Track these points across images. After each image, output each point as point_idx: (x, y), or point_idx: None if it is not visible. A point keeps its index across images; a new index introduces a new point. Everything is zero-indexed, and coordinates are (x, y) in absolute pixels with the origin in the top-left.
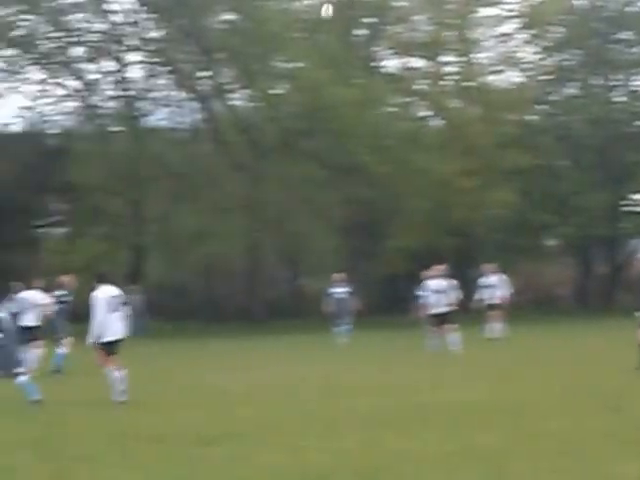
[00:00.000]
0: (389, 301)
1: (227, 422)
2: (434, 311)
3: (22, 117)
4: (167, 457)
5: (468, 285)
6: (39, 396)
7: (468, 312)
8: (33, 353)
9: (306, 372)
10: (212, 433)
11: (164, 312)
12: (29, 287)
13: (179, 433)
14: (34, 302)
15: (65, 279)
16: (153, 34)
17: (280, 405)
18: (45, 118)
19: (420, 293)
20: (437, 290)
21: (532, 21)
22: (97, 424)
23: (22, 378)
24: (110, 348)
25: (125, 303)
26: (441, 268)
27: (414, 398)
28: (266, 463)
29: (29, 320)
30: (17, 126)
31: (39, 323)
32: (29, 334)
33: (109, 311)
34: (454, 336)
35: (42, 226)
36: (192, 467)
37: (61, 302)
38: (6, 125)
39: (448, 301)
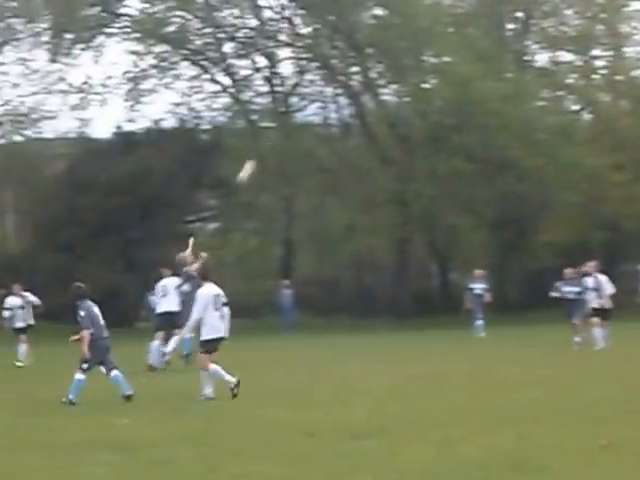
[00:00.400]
0: (538, 296)
1: (377, 416)
2: (591, 306)
3: (174, 113)
4: (319, 451)
5: (619, 280)
6: (77, 399)
7: (621, 307)
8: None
9: (453, 367)
10: (363, 428)
11: (313, 307)
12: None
13: (330, 428)
14: (173, 288)
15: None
16: (303, 30)
17: (429, 400)
18: (197, 114)
19: (567, 290)
20: (593, 286)
21: None
22: (252, 419)
23: (79, 375)
24: (211, 346)
25: (226, 304)
26: (593, 265)
27: (564, 392)
28: (416, 457)
29: (170, 305)
30: (169, 122)
31: (179, 309)
32: (169, 319)
33: (212, 309)
34: (602, 332)
35: (194, 221)
36: (343, 461)
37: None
38: (159, 121)
39: (603, 296)
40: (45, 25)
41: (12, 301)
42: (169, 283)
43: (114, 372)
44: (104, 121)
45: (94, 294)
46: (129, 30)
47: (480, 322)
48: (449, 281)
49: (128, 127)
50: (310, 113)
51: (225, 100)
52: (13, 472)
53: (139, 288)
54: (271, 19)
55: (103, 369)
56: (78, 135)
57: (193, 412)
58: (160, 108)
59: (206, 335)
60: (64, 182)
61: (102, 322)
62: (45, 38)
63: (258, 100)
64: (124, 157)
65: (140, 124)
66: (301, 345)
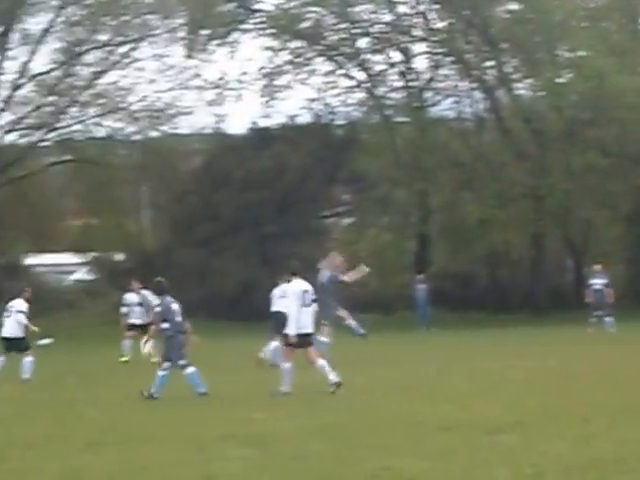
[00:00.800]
0: None
1: (512, 411)
2: None
3: (309, 109)
4: (454, 446)
5: None
6: (205, 389)
7: None
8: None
9: (586, 362)
10: (498, 422)
11: (448, 302)
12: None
13: (465, 422)
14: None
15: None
16: (438, 25)
17: (563, 394)
18: (332, 109)
19: None
20: None
21: None
22: (387, 413)
23: (190, 370)
24: (299, 341)
25: (315, 300)
26: None
27: None
28: (552, 451)
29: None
30: (304, 118)
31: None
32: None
33: (300, 305)
34: None
35: (329, 216)
36: (479, 456)
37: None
38: (294, 117)
39: None
40: (181, 21)
41: (129, 297)
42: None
43: (167, 372)
44: (239, 117)
45: (229, 289)
46: (264, 26)
47: (607, 319)
48: (584, 276)
49: (263, 123)
50: (444, 108)
51: (360, 95)
52: (147, 466)
53: (274, 283)
54: (405, 14)
55: (167, 364)
56: (214, 131)
57: (327, 406)
58: (295, 104)
59: (295, 330)
60: (200, 178)
61: (179, 318)
62: (181, 34)
63: (393, 95)
64: (259, 153)
65: (275, 120)
66: (435, 340)
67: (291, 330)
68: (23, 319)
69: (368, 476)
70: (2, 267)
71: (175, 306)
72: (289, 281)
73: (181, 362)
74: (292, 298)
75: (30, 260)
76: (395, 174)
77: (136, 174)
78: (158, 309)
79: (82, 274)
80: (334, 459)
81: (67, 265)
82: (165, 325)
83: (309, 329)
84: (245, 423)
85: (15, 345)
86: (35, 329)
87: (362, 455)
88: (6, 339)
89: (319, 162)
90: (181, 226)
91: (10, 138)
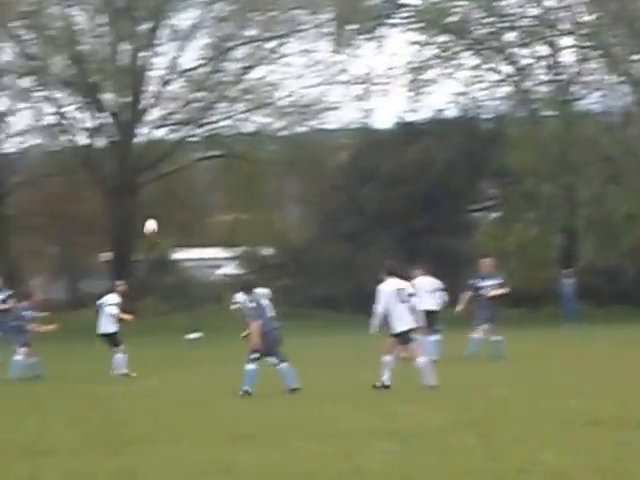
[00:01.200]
0: None
1: None
2: None
3: (456, 103)
4: (604, 440)
5: None
6: (298, 384)
7: None
8: (428, 339)
9: None
10: None
11: (595, 296)
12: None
13: (615, 417)
14: (429, 287)
15: (485, 263)
16: (585, 18)
17: None
18: (479, 103)
19: None
20: None
21: None
22: (534, 407)
23: (249, 366)
24: (403, 338)
25: (412, 295)
26: None
27: None
28: None
29: (426, 305)
30: (451, 112)
31: (436, 308)
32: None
33: (397, 302)
34: None
35: (477, 210)
36: (627, 449)
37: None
38: (441, 111)
39: None
40: (328, 16)
41: (240, 297)
42: (425, 282)
43: (283, 364)
44: (386, 111)
45: (374, 284)
46: (412, 20)
47: None
48: None
49: (410, 117)
50: (591, 101)
51: (506, 89)
52: (295, 459)
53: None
54: (552, 8)
55: (274, 360)
56: (360, 126)
57: (473, 400)
58: (442, 98)
59: (397, 328)
60: (346, 173)
61: (271, 314)
62: (328, 29)
63: (539, 89)
64: (405, 147)
65: (422, 114)
66: (583, 335)
67: (372, 328)
68: (114, 310)
69: (517, 470)
70: (151, 262)
71: (266, 302)
72: (384, 280)
73: (254, 356)
74: (384, 297)
75: (178, 255)
76: (541, 168)
77: (284, 169)
78: (252, 305)
79: (229, 268)
80: (482, 453)
81: (214, 260)
82: (259, 321)
83: (411, 324)
84: (392, 417)
85: (107, 341)
86: (127, 317)
87: (510, 449)
88: (100, 335)
89: (465, 156)
90: (328, 221)
91: (159, 134)
